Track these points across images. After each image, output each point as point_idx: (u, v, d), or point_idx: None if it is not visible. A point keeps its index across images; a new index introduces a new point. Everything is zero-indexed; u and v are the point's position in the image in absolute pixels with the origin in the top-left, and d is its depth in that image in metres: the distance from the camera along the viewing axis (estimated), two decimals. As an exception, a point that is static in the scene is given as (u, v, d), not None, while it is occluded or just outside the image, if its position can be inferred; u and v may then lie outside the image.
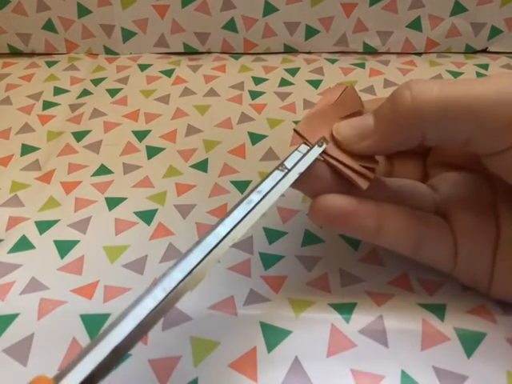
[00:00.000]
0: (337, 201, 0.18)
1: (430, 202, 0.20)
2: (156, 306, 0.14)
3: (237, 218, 0.16)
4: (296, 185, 0.18)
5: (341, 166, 0.18)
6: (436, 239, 0.19)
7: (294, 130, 0.19)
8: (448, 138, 0.17)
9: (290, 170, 0.17)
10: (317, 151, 0.18)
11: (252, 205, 0.16)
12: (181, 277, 0.14)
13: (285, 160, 0.18)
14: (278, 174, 0.17)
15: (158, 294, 0.14)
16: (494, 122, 0.15)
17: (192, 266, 0.15)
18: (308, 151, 0.18)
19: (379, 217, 0.18)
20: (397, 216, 0.18)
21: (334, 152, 0.18)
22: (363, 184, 0.18)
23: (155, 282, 0.14)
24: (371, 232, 0.18)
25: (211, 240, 0.15)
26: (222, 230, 0.16)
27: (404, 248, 0.19)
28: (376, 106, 0.18)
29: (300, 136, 0.19)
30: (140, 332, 0.13)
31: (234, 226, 0.16)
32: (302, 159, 0.18)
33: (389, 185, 0.20)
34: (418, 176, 0.22)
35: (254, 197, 0.17)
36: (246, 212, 0.16)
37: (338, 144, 0.18)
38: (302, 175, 0.17)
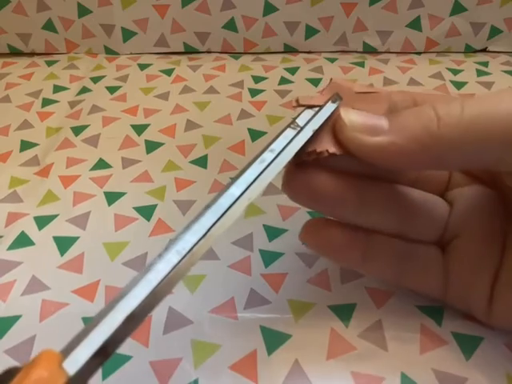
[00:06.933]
0: (331, 230, 0.18)
1: (439, 224, 0.19)
2: (170, 271, 0.13)
3: (250, 179, 0.15)
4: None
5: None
6: (420, 276, 0.19)
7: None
8: (474, 160, 0.15)
9: (302, 128, 0.16)
10: (331, 107, 0.17)
11: (265, 164, 0.15)
12: (195, 240, 0.13)
13: (296, 118, 0.16)
14: (290, 132, 0.16)
15: (172, 258, 0.13)
16: None
17: (206, 229, 0.14)
18: (321, 108, 0.17)
19: (366, 249, 0.18)
20: (382, 250, 0.18)
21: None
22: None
23: (167, 247, 0.13)
24: (357, 263, 0.18)
25: (224, 201, 0.14)
26: (235, 191, 0.14)
27: (387, 280, 0.20)
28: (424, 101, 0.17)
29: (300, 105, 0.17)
30: (154, 299, 0.12)
31: (249, 186, 0.15)
32: (315, 116, 0.16)
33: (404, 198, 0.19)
34: (444, 182, 0.20)
35: (267, 155, 0.15)
36: (260, 171, 0.15)
37: (336, 127, 0.17)
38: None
